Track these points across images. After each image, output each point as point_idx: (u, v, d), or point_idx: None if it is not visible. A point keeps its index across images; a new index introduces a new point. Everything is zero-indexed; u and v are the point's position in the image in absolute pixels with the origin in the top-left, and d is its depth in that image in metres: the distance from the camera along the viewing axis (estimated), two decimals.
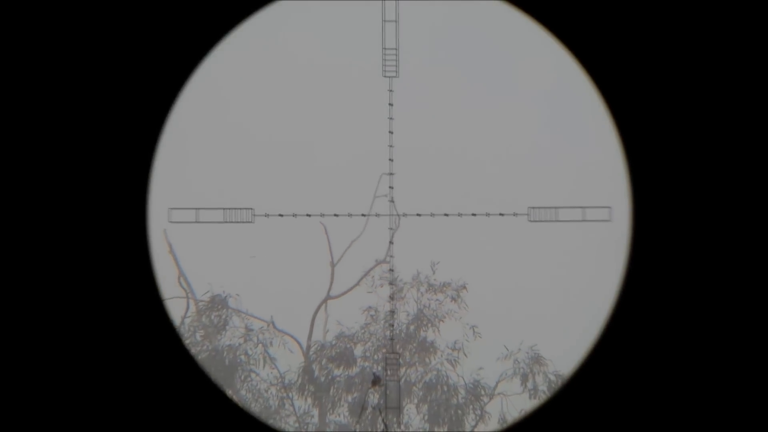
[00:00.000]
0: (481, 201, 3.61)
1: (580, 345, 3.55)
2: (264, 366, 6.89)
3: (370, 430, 3.60)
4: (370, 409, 3.64)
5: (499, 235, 3.62)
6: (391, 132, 3.63)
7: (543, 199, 3.65)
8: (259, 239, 3.61)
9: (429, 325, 6.61)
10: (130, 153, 3.49)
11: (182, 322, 7.09)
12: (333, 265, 3.90)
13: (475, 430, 3.52)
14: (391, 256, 3.66)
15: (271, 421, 3.44)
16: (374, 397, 3.67)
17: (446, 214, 3.63)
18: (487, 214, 3.63)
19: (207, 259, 3.60)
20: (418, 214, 3.63)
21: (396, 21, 3.60)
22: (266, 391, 6.62)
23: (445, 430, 3.45)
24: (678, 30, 3.51)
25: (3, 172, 3.42)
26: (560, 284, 3.63)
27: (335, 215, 3.62)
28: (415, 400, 6.39)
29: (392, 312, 3.55)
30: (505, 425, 3.38)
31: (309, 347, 5.78)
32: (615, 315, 3.54)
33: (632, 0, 3.51)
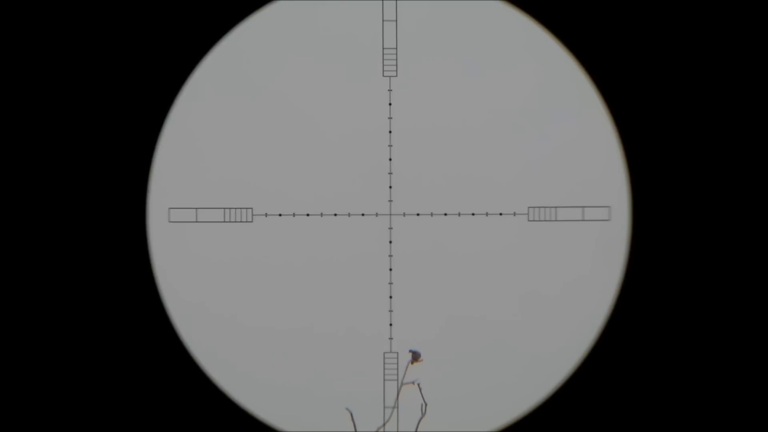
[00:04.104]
0: (481, 200, 3.62)
1: (580, 345, 3.56)
2: None
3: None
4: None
5: (499, 235, 3.62)
6: (390, 131, 3.63)
7: (542, 198, 3.65)
8: (258, 239, 3.61)
9: None
10: (128, 153, 3.49)
11: None
12: None
13: (474, 429, 3.52)
14: (390, 256, 3.66)
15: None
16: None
17: (446, 214, 3.63)
18: (487, 214, 3.63)
19: (207, 260, 3.62)
20: (418, 214, 3.63)
21: (396, 20, 3.60)
22: None
23: (444, 430, 3.45)
24: (679, 32, 3.52)
25: None
26: (560, 284, 3.64)
27: (335, 215, 3.63)
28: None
29: (390, 312, 3.56)
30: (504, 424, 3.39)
31: None
32: (614, 315, 3.55)
33: (634, 0, 3.52)
